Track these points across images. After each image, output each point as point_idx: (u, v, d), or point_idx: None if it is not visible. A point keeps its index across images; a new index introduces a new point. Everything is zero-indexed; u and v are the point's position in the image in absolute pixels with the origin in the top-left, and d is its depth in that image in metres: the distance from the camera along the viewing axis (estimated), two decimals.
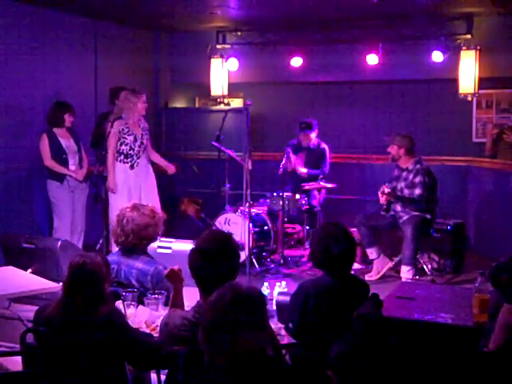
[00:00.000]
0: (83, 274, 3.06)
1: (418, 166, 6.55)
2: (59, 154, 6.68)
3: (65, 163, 6.69)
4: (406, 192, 6.56)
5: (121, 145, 6.38)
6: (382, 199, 6.60)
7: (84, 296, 3.04)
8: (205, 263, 2.96)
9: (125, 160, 6.40)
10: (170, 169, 6.85)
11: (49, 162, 6.65)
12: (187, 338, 2.84)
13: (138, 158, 6.45)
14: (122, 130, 6.35)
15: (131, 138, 6.38)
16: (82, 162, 6.82)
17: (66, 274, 3.15)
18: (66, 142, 6.75)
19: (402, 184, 6.61)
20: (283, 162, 7.19)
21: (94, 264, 3.09)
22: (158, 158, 6.85)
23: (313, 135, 7.71)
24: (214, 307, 2.32)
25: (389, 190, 6.55)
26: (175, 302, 3.40)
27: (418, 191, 6.47)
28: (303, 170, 7.65)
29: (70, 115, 6.75)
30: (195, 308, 2.95)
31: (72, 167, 6.74)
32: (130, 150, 6.39)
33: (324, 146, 7.77)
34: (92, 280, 3.07)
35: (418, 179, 6.49)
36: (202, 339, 2.33)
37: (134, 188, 6.42)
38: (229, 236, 3.11)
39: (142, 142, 6.46)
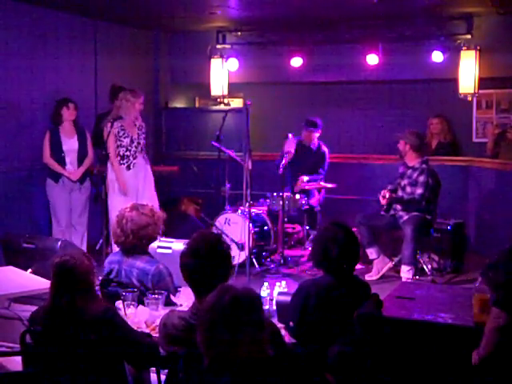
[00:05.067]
0: (66, 272, 3.05)
1: (424, 166, 6.57)
2: (57, 153, 6.71)
3: (62, 162, 6.71)
4: (408, 190, 6.58)
5: (117, 147, 6.40)
6: (383, 202, 6.62)
7: (70, 294, 3.04)
8: (196, 265, 2.96)
9: (121, 161, 6.43)
10: None
11: (47, 159, 6.73)
12: (185, 338, 2.84)
13: (135, 159, 6.47)
14: (118, 132, 6.37)
15: (127, 140, 6.41)
16: (83, 160, 6.81)
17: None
18: (68, 139, 6.76)
19: (405, 181, 6.63)
20: (283, 162, 7.19)
21: (75, 261, 3.08)
22: None
23: (316, 135, 7.73)
24: (212, 309, 2.32)
25: (389, 194, 6.57)
26: None
27: (419, 190, 6.48)
28: (305, 179, 7.60)
29: (67, 108, 6.72)
30: (192, 309, 2.95)
31: (69, 166, 6.74)
32: (126, 151, 6.42)
33: (324, 149, 7.77)
34: (75, 277, 3.05)
35: (421, 178, 6.50)
36: (200, 341, 2.33)
37: (131, 188, 6.43)
38: (219, 236, 3.10)
39: (138, 143, 6.48)
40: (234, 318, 2.27)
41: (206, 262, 2.95)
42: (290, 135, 7.29)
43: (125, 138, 6.40)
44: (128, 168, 6.44)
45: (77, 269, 3.06)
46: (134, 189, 6.46)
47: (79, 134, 6.84)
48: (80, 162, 6.80)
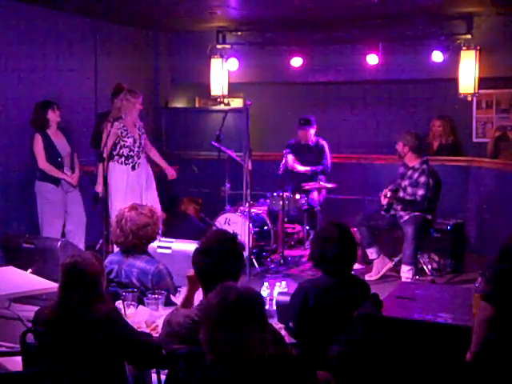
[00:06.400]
0: (76, 273, 3.05)
1: (425, 167, 6.56)
2: (54, 157, 6.49)
3: (60, 166, 6.52)
4: (409, 191, 6.57)
5: (121, 148, 6.39)
6: (384, 201, 6.62)
7: (80, 296, 3.04)
8: (210, 263, 2.97)
9: (126, 162, 6.41)
10: (170, 173, 6.81)
11: (44, 164, 6.44)
12: (189, 336, 2.84)
13: (139, 159, 6.48)
14: (121, 133, 6.36)
15: (131, 140, 6.41)
16: (73, 164, 6.64)
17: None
18: (60, 143, 6.57)
19: (406, 182, 6.63)
20: (283, 161, 7.19)
21: (85, 262, 3.08)
22: (158, 158, 6.86)
23: (312, 131, 7.75)
24: (217, 308, 2.32)
25: (391, 194, 6.57)
26: (188, 301, 3.35)
27: (420, 191, 6.48)
28: (302, 169, 7.65)
29: (53, 111, 6.50)
30: (198, 308, 2.95)
31: (66, 170, 6.57)
32: (129, 151, 6.41)
33: (323, 142, 7.80)
34: (86, 279, 3.06)
35: (422, 179, 6.50)
36: (203, 339, 2.34)
37: (135, 189, 6.43)
38: (234, 236, 3.13)
39: (140, 143, 6.48)
40: (240, 317, 2.29)
41: (219, 260, 2.96)
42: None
43: (128, 138, 6.40)
44: (133, 168, 6.43)
45: (87, 270, 3.06)
46: (137, 189, 6.45)
47: (66, 137, 6.66)
48: (72, 165, 6.63)
